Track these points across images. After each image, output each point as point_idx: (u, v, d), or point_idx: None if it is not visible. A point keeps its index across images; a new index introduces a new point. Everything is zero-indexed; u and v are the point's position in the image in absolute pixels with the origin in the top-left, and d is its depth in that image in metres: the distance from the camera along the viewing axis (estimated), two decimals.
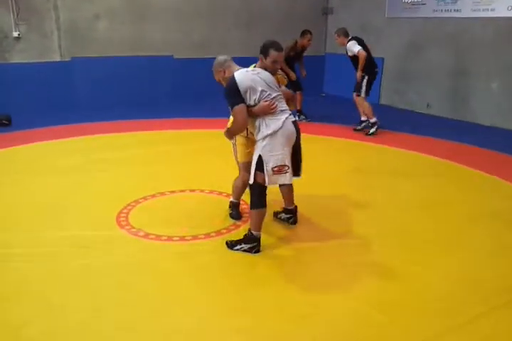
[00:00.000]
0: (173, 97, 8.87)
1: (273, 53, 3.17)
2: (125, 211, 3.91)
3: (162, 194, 4.29)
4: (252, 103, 3.06)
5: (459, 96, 7.83)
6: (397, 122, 7.55)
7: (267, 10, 9.51)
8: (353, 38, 6.60)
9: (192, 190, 4.39)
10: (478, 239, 3.57)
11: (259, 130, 3.09)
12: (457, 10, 7.58)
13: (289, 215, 3.72)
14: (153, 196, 4.23)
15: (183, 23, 8.87)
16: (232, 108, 3.06)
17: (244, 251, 3.24)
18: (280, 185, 3.44)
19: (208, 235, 3.49)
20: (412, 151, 5.88)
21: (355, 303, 2.69)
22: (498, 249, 3.42)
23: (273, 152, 3.05)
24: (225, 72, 3.29)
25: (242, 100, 3.01)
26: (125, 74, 8.48)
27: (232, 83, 3.03)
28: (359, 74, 6.59)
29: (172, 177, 4.79)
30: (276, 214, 3.78)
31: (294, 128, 3.14)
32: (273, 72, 3.27)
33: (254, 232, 3.24)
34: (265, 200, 3.25)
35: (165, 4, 8.63)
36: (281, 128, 3.05)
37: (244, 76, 3.08)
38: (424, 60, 8.31)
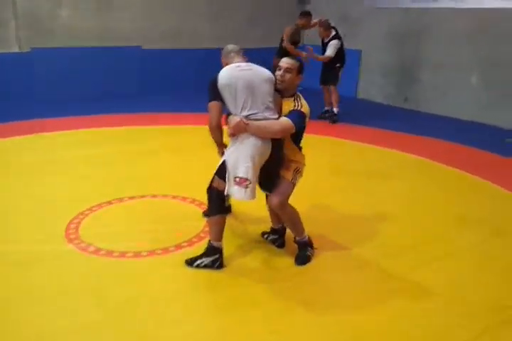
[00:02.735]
0: (142, 90, 8.42)
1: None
2: (76, 221, 3.52)
3: (120, 200, 3.91)
4: (232, 110, 2.76)
5: (438, 90, 7.58)
6: (374, 116, 7.29)
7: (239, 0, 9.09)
8: (336, 35, 6.62)
9: (154, 196, 4.02)
10: (466, 249, 3.32)
11: None
12: (436, 0, 7.30)
13: (276, 236, 3.27)
14: (109, 203, 3.85)
15: (152, 12, 8.40)
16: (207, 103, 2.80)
17: (206, 266, 2.90)
18: (267, 199, 3.07)
19: (166, 250, 3.13)
20: (388, 149, 5.61)
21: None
22: (486, 261, 3.17)
23: (238, 162, 2.74)
24: (226, 63, 2.94)
25: (218, 97, 2.75)
26: (90, 66, 7.99)
27: (213, 78, 2.76)
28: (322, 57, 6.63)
29: (133, 180, 4.40)
30: (263, 234, 3.35)
31: (268, 145, 2.77)
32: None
33: (214, 243, 2.92)
34: (223, 206, 2.93)
35: None
36: (255, 139, 2.73)
37: (228, 72, 2.78)
38: (402, 53, 8.03)
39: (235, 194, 2.77)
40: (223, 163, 2.82)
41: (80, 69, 7.90)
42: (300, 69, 2.90)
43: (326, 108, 7.04)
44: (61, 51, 7.72)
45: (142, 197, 3.99)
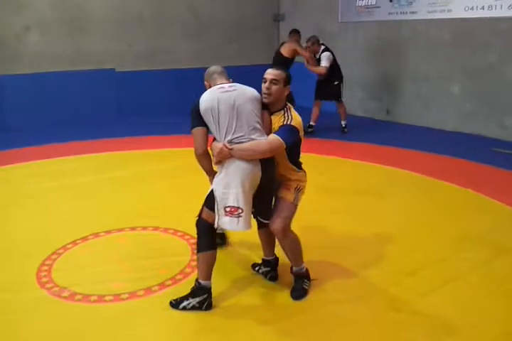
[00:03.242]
0: (118, 114, 8.15)
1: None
2: (49, 262, 3.20)
3: (96, 235, 3.60)
4: (216, 136, 2.56)
5: (420, 101, 7.48)
6: (357, 131, 7.12)
7: (215, 18, 8.95)
8: (327, 49, 6.68)
9: (132, 228, 3.72)
10: (471, 270, 3.09)
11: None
12: (413, 12, 7.25)
13: (268, 268, 2.97)
14: (84, 239, 3.54)
15: (124, 34, 8.18)
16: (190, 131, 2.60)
17: (193, 308, 2.62)
18: (259, 227, 2.82)
19: (149, 290, 2.84)
20: (377, 164, 5.42)
21: None
22: (493, 283, 2.95)
23: (228, 188, 2.50)
24: (210, 86, 2.72)
25: (201, 123, 2.55)
26: (62, 91, 7.71)
27: (195, 103, 2.58)
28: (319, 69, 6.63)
29: (110, 211, 4.10)
30: (254, 266, 3.07)
31: (258, 167, 2.54)
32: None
33: (202, 282, 2.64)
34: (213, 241, 2.68)
35: (103, 14, 7.92)
36: (241, 163, 2.51)
37: (209, 95, 2.59)
38: (381, 65, 7.94)
39: (226, 225, 2.53)
40: (211, 192, 2.59)
41: (52, 94, 7.62)
42: (287, 80, 2.68)
43: (312, 123, 6.94)
44: (30, 77, 7.43)
45: (120, 230, 3.69)
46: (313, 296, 2.78)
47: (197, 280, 2.67)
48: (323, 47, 6.72)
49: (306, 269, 2.85)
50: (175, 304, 2.65)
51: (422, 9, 7.12)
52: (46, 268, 3.12)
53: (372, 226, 3.81)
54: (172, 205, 4.20)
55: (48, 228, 3.77)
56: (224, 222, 2.53)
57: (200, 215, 2.67)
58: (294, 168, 2.75)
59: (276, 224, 2.65)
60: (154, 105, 8.40)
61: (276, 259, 2.99)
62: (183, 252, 3.30)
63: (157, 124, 7.68)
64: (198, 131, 2.57)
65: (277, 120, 2.64)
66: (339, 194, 4.54)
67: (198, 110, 2.54)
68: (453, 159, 5.60)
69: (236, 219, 2.50)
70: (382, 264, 3.20)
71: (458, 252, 3.35)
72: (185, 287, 2.77)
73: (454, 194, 4.53)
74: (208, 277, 2.65)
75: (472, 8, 6.52)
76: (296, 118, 2.64)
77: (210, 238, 2.65)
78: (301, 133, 2.66)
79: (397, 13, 7.50)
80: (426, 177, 4.95)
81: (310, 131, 6.81)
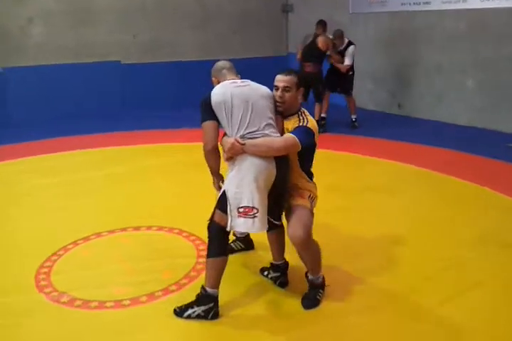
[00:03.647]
0: (122, 107, 8.00)
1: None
2: (48, 263, 3.07)
3: (98, 235, 3.47)
4: (227, 131, 2.43)
5: (433, 94, 7.26)
6: (368, 124, 6.93)
7: (222, 9, 8.73)
8: (351, 42, 6.57)
9: (136, 228, 3.58)
10: (490, 275, 2.92)
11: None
12: (426, 2, 7.01)
13: (277, 274, 2.81)
14: (86, 239, 3.40)
15: (129, 25, 8.01)
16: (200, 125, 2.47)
17: (199, 316, 2.47)
18: (268, 229, 2.62)
19: (152, 295, 2.70)
20: (387, 160, 5.24)
21: None
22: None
23: (241, 187, 2.35)
24: (218, 82, 2.59)
25: (212, 117, 2.43)
26: (67, 83, 7.56)
27: (206, 97, 2.46)
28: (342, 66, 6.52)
29: (113, 210, 3.96)
30: (262, 270, 2.91)
31: (272, 165, 2.40)
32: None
33: (208, 289, 2.49)
34: (225, 246, 2.54)
35: (109, 4, 7.75)
36: (255, 159, 2.37)
37: (222, 88, 2.47)
38: (393, 58, 7.71)
39: (241, 226, 2.38)
40: (223, 193, 2.43)
41: (56, 87, 7.47)
42: (300, 83, 2.53)
43: (323, 114, 6.77)
44: (34, 69, 7.28)
45: (123, 230, 3.55)
46: (326, 305, 2.62)
47: (203, 287, 2.52)
48: (346, 40, 6.57)
49: (323, 279, 2.69)
50: (179, 312, 2.51)
51: (436, 0, 6.88)
52: (45, 270, 2.99)
53: (384, 226, 3.65)
54: (177, 203, 4.05)
55: (48, 227, 3.63)
56: (238, 223, 2.37)
57: (212, 218, 2.52)
58: (306, 177, 2.61)
59: (297, 232, 2.42)
60: (159, 98, 8.23)
61: (286, 264, 2.83)
62: (189, 254, 3.16)
63: (162, 118, 7.54)
64: (209, 124, 2.43)
65: (292, 123, 2.51)
66: (349, 191, 4.36)
67: (209, 103, 2.42)
68: (466, 154, 5.40)
69: (251, 219, 2.35)
70: (396, 268, 3.03)
71: (477, 255, 3.18)
72: (190, 293, 2.63)
73: (467, 191, 4.35)
74: (216, 285, 2.50)
75: None
76: (312, 122, 2.51)
77: (221, 243, 2.50)
78: (317, 138, 2.52)
79: (409, 3, 7.26)
80: (438, 174, 4.77)
81: (323, 124, 6.60)
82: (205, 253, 3.05)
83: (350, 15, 8.17)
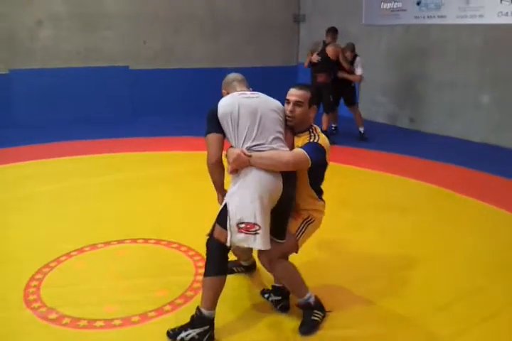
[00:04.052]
0: (131, 113, 7.90)
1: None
2: (39, 276, 2.92)
3: (93, 247, 3.32)
4: (232, 143, 2.31)
5: (446, 110, 7.10)
6: (378, 138, 6.79)
7: (233, 18, 8.67)
8: (356, 54, 6.59)
9: (133, 240, 3.43)
10: (505, 305, 2.73)
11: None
12: (441, 16, 6.87)
13: (278, 297, 2.62)
14: (80, 250, 3.26)
15: (140, 31, 7.94)
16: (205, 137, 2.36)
17: (192, 340, 2.30)
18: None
19: (144, 316, 2.53)
20: (398, 176, 5.07)
21: None
22: None
23: (243, 202, 2.21)
24: (227, 93, 2.48)
25: (218, 129, 2.31)
26: (74, 87, 7.49)
27: (213, 108, 2.35)
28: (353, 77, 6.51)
29: (111, 219, 3.81)
30: (263, 292, 2.73)
31: (279, 181, 2.26)
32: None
33: (204, 311, 2.33)
34: (224, 265, 2.38)
35: (120, 9, 7.69)
36: (261, 173, 2.23)
37: (230, 99, 2.37)
38: (406, 71, 7.58)
39: (241, 242, 2.22)
40: (224, 206, 2.29)
41: (63, 91, 7.39)
42: (312, 100, 2.40)
43: (333, 125, 6.90)
44: (42, 72, 7.21)
45: (120, 242, 3.39)
46: (329, 331, 2.44)
47: (198, 308, 2.36)
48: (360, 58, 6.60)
49: (315, 298, 2.50)
50: (172, 334, 2.34)
51: (451, 13, 6.74)
52: (36, 283, 2.84)
53: (394, 246, 3.48)
54: (178, 215, 3.91)
55: (41, 236, 3.48)
56: (238, 238, 2.22)
57: (211, 234, 2.37)
58: (315, 195, 2.47)
59: (260, 256, 2.36)
60: (167, 105, 8.14)
61: None
62: (187, 271, 2.99)
63: (170, 125, 7.44)
64: (214, 137, 2.31)
65: (302, 140, 2.37)
66: (356, 208, 4.19)
67: (216, 114, 2.30)
68: (480, 173, 5.22)
69: (252, 236, 2.20)
70: (406, 293, 2.85)
71: (493, 281, 2.99)
72: (185, 314, 2.46)
73: (483, 213, 4.16)
74: (213, 306, 2.34)
75: (506, 14, 6.13)
76: (323, 139, 2.38)
77: (221, 261, 2.35)
78: (328, 156, 2.38)
79: (424, 17, 7.13)
80: (451, 192, 4.59)
81: (334, 134, 6.64)
82: (203, 271, 2.93)
83: (363, 27, 8.06)
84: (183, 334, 2.32)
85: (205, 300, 2.34)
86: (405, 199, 4.46)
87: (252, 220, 2.19)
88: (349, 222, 3.87)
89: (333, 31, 6.43)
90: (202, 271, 2.90)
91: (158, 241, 3.41)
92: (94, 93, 7.66)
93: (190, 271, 3.00)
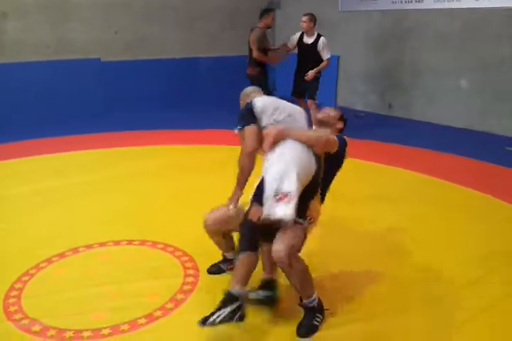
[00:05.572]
0: (103, 107, 7.64)
1: None
2: (19, 285, 2.77)
3: (74, 251, 3.16)
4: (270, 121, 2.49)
5: (425, 95, 7.08)
6: (358, 126, 6.70)
7: (207, 6, 8.43)
8: (320, 34, 5.97)
9: (116, 243, 3.28)
10: (502, 296, 2.70)
11: None
12: (419, 1, 6.81)
13: (270, 293, 2.49)
14: (61, 255, 3.10)
15: (111, 21, 7.65)
16: (243, 130, 2.52)
17: (224, 319, 2.17)
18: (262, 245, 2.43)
19: (134, 323, 2.41)
20: (384, 165, 5.02)
21: None
22: None
23: (280, 173, 2.22)
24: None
25: (255, 122, 2.50)
26: (43, 82, 7.16)
27: (247, 105, 2.57)
28: (312, 73, 5.90)
29: (91, 220, 3.65)
30: (250, 295, 2.54)
31: (312, 160, 2.34)
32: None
33: (236, 287, 2.26)
34: (255, 241, 2.36)
35: None
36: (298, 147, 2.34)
37: (265, 98, 2.65)
38: (384, 57, 7.52)
39: (278, 212, 2.14)
40: (261, 183, 2.31)
41: (33, 86, 7.08)
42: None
43: None
44: (8, 67, 6.88)
45: (102, 244, 3.25)
46: (325, 332, 2.37)
47: (226, 291, 2.27)
48: (316, 32, 5.96)
49: (319, 301, 2.42)
50: (203, 321, 2.17)
51: None
52: (15, 293, 2.69)
53: (388, 239, 3.41)
54: (162, 213, 3.76)
55: (18, 242, 3.30)
56: (274, 207, 2.15)
57: (245, 214, 2.39)
58: (319, 196, 2.41)
59: (279, 247, 2.21)
60: (141, 96, 7.91)
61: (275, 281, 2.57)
62: (175, 273, 2.88)
63: (145, 118, 7.24)
64: (252, 129, 2.48)
65: None
66: (346, 200, 4.11)
67: (251, 108, 2.50)
68: (466, 159, 5.20)
69: (285, 206, 2.13)
70: (405, 289, 2.79)
71: (489, 272, 2.95)
72: (177, 318, 2.37)
73: (470, 199, 4.14)
74: (244, 282, 2.30)
75: None
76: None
77: (251, 237, 2.36)
78: (347, 154, 2.61)
79: (401, 2, 7.07)
80: (438, 180, 4.56)
81: None
82: (192, 271, 2.86)
83: (340, 13, 7.95)
84: (215, 315, 2.19)
85: (235, 276, 2.31)
86: (392, 189, 4.39)
87: (288, 189, 2.15)
88: (337, 213, 3.78)
89: (263, 12, 6.08)
90: (190, 272, 2.86)
91: (142, 242, 3.28)
92: (66, 87, 7.37)
93: (178, 272, 2.88)
